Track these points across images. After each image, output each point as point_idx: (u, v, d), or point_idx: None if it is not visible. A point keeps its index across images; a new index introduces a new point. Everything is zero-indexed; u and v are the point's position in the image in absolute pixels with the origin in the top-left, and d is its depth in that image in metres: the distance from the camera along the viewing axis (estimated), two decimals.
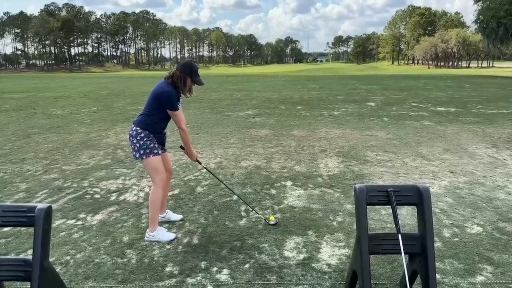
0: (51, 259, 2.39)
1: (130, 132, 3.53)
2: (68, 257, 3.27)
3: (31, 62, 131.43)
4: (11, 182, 5.34)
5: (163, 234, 3.58)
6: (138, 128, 3.48)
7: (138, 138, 3.46)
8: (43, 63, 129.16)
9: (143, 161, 3.54)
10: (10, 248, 3.42)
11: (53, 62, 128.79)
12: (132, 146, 3.52)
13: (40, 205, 2.10)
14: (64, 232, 3.76)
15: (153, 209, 3.57)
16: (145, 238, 3.57)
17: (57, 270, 2.64)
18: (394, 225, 2.30)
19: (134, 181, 5.34)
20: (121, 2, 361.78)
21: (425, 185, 2.37)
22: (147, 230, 3.61)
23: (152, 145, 3.49)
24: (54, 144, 7.91)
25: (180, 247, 3.45)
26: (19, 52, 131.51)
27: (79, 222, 4.00)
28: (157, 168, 3.54)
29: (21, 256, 3.23)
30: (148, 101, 3.51)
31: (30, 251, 3.21)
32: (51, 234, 2.31)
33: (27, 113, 13.07)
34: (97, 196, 4.79)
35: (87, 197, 4.76)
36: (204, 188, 5.03)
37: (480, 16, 38.85)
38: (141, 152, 3.47)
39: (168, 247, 3.45)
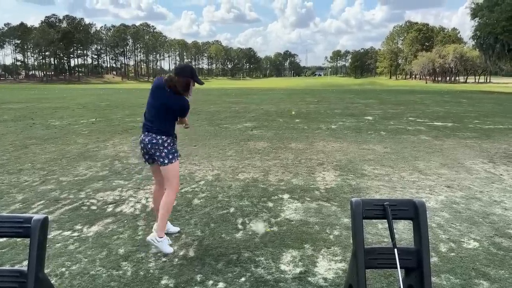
0: (46, 271, 2.38)
1: (154, 141, 3.55)
2: (64, 269, 3.25)
3: (30, 73, 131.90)
4: (7, 193, 5.33)
5: (166, 245, 3.56)
6: (163, 137, 3.57)
7: (165, 144, 3.57)
8: (42, 74, 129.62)
9: (169, 166, 3.59)
10: (5, 259, 3.40)
11: (52, 73, 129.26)
12: (158, 154, 3.56)
13: (36, 216, 2.10)
14: (59, 244, 3.74)
15: (167, 212, 3.62)
16: (149, 239, 3.51)
17: (52, 281, 2.62)
18: (390, 239, 2.31)
19: (131, 193, 5.33)
20: (122, 14, 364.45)
21: (421, 199, 2.39)
22: (155, 233, 3.54)
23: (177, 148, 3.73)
24: (51, 154, 7.91)
25: (176, 259, 3.44)
26: (18, 63, 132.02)
27: (75, 234, 3.98)
28: (178, 171, 3.72)
29: (16, 267, 3.21)
30: (158, 110, 3.56)
31: (25, 262, 3.20)
32: (47, 245, 2.30)
33: (25, 123, 13.07)
34: (93, 207, 4.78)
35: (83, 208, 4.74)
36: (201, 200, 5.02)
37: (477, 32, 39.26)
38: (170, 157, 3.58)
39: (164, 259, 3.43)
